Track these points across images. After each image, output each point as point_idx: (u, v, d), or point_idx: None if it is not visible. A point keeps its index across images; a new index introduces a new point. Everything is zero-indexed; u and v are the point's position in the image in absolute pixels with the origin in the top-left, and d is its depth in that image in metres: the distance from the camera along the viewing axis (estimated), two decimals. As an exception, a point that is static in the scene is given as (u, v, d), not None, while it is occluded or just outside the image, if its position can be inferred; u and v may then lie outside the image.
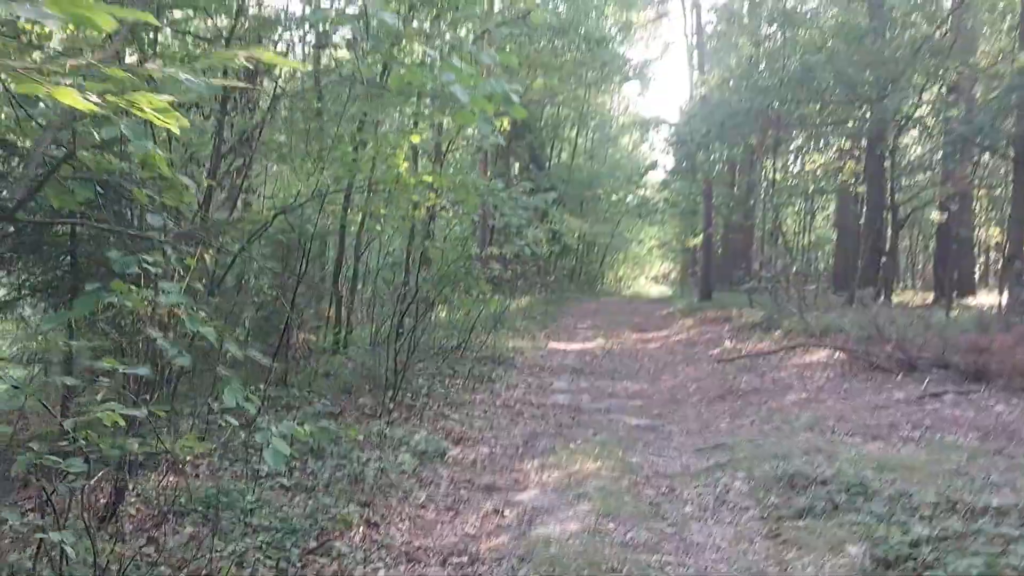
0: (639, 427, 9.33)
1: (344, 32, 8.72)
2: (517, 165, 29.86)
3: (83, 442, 3.55)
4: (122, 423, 3.51)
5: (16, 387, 4.38)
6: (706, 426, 9.41)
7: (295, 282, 11.15)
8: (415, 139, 8.99)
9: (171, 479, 6.18)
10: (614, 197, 32.50)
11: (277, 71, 8.30)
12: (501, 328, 15.97)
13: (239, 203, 9.20)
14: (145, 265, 4.14)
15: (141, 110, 2.34)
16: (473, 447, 8.22)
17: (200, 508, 5.57)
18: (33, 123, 4.69)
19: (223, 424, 4.49)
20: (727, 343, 15.49)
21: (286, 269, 14.26)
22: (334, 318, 13.56)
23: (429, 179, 8.62)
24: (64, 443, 3.63)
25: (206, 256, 7.65)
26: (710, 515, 6.26)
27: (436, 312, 13.86)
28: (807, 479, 6.63)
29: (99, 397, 4.59)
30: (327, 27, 7.18)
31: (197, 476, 6.41)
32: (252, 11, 8.78)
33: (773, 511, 6.17)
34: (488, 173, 24.28)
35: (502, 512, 6.34)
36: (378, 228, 13.03)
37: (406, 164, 8.71)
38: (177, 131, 2.39)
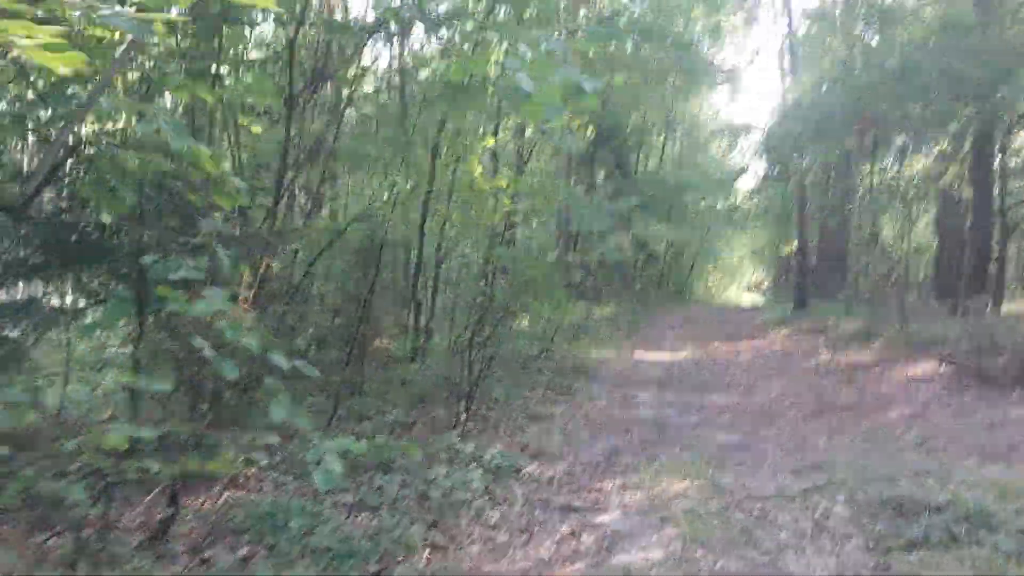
0: (729, 444, 8.75)
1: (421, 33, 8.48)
2: (602, 172, 29.33)
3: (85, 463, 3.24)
4: (126, 445, 3.19)
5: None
6: (802, 444, 8.78)
7: (370, 289, 10.92)
8: (490, 142, 8.64)
9: (232, 493, 5.92)
10: (703, 204, 31.68)
11: (349, 74, 8.04)
12: (584, 337, 15.51)
13: (312, 210, 8.97)
14: (189, 271, 3.85)
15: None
16: (551, 463, 7.78)
17: (257, 526, 5.28)
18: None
19: (256, 442, 4.14)
20: (823, 354, 14.69)
21: (365, 277, 14.13)
22: (412, 326, 13.32)
23: (504, 184, 8.25)
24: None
25: (272, 263, 7.45)
26: (808, 543, 5.68)
27: (517, 321, 13.49)
28: (918, 505, 5.98)
29: (107, 415, 4.30)
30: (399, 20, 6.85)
31: (260, 490, 6.13)
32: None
33: (880, 541, 5.56)
34: (571, 180, 23.80)
35: (580, 536, 5.88)
36: (453, 235, 12.77)
37: (481, 169, 8.35)
38: (65, 71, 2.00)
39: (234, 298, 6.85)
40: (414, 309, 13.24)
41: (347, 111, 9.13)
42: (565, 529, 6.02)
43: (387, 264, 14.51)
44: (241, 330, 3.66)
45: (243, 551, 4.99)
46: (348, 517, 5.80)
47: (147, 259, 3.79)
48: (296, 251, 7.86)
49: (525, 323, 13.28)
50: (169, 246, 4.46)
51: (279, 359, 3.95)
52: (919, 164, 22.13)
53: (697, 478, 7.19)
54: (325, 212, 10.67)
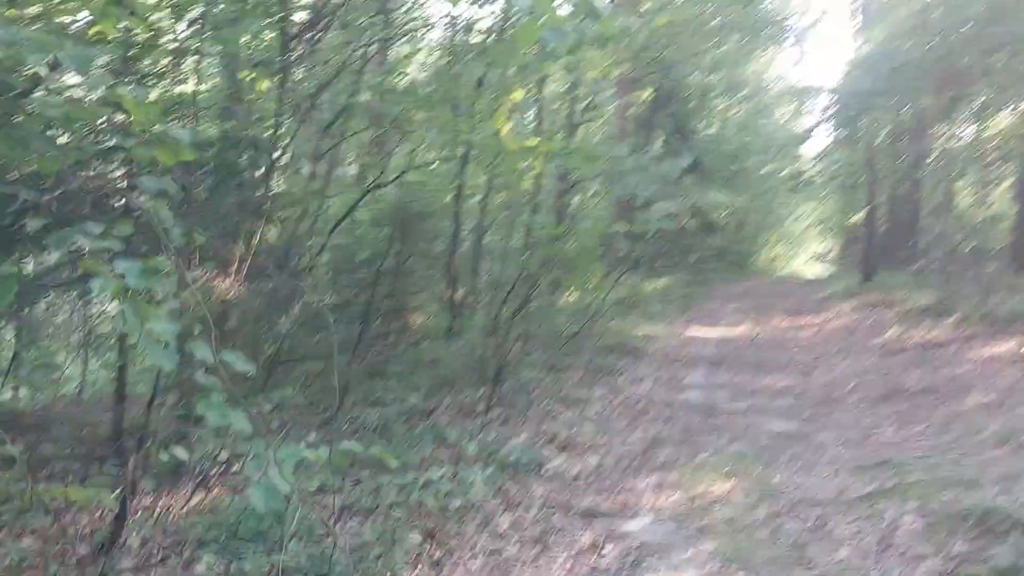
0: (784, 435, 7.82)
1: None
2: (661, 137, 28.15)
3: None
4: None
5: None
6: (867, 435, 7.80)
7: (398, 261, 10.21)
8: (516, 97, 7.77)
9: (204, 495, 5.24)
10: (765, 170, 30.23)
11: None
12: (632, 313, 14.60)
13: (327, 172, 8.23)
14: (93, 240, 3.09)
15: None
16: (579, 456, 6.96)
17: (222, 537, 4.57)
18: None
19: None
20: (892, 331, 13.55)
21: (397, 247, 13.42)
22: (449, 301, 12.57)
23: (534, 143, 7.40)
24: None
25: (268, 230, 6.74)
26: (872, 564, 4.80)
27: (559, 296, 12.66)
28: (1006, 520, 5.02)
29: None
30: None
31: (240, 489, 5.43)
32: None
33: (960, 565, 4.64)
34: (627, 145, 22.67)
35: (601, 548, 5.08)
36: (496, 202, 11.98)
37: (508, 127, 7.50)
38: None
39: (221, 267, 6.20)
40: (450, 282, 12.50)
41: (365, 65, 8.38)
42: (585, 539, 5.22)
43: (424, 233, 13.82)
44: (138, 319, 2.89)
45: (198, 570, 4.29)
46: (334, 523, 5.08)
47: (31, 223, 3.03)
48: (299, 218, 7.11)
49: (571, 298, 12.43)
50: (83, 211, 3.71)
51: (202, 350, 3.19)
52: (1002, 123, 20.57)
53: (744, 477, 6.32)
54: (351, 175, 9.90)
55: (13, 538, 4.31)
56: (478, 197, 13.13)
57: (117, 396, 6.47)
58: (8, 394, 9.80)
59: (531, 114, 14.09)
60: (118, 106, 3.75)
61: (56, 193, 3.36)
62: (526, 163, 7.74)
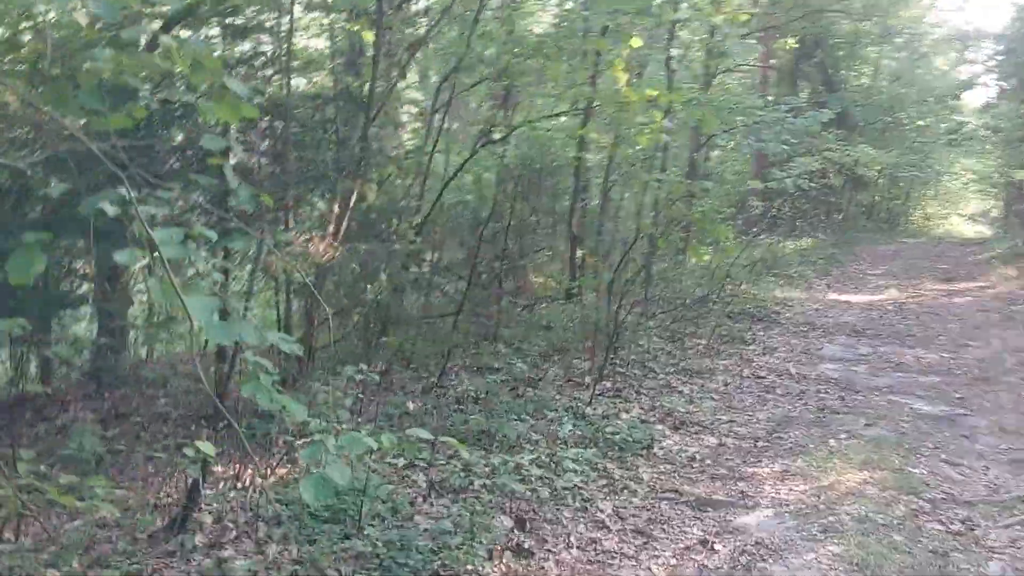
0: (931, 417, 7.03)
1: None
2: (807, 89, 26.60)
3: None
4: None
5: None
6: (1027, 421, 6.94)
7: (509, 223, 9.82)
8: (636, 43, 7.14)
9: (286, 469, 5.01)
10: (921, 123, 28.15)
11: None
12: (767, 276, 13.75)
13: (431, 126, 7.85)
14: (117, 203, 2.78)
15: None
16: (696, 436, 6.42)
17: (300, 516, 4.31)
18: None
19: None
20: (1061, 300, 12.27)
21: (522, 204, 13.03)
22: (569, 261, 12.12)
23: (654, 93, 6.79)
24: None
25: (368, 190, 6.43)
26: (1029, 582, 4.12)
27: (687, 257, 12.00)
28: None
29: None
30: None
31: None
32: None
33: None
34: (770, 98, 21.50)
35: (711, 545, 4.57)
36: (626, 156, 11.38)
37: (626, 76, 6.91)
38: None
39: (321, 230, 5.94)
40: (571, 242, 12.03)
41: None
42: (694, 534, 4.72)
43: (547, 190, 13.39)
44: (170, 291, 2.57)
45: (272, 550, 4.04)
46: (423, 502, 4.76)
47: (55, 188, 2.74)
48: (391, 175, 6.76)
49: (700, 259, 11.74)
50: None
51: (249, 332, 2.85)
52: None
53: (881, 467, 5.65)
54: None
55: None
56: (603, 153, 12.61)
57: (218, 356, 6.35)
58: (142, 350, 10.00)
59: (660, 65, 13.32)
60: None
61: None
62: (647, 116, 7.13)
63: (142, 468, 5.32)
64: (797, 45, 23.27)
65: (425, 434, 3.41)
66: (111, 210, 2.75)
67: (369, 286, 6.61)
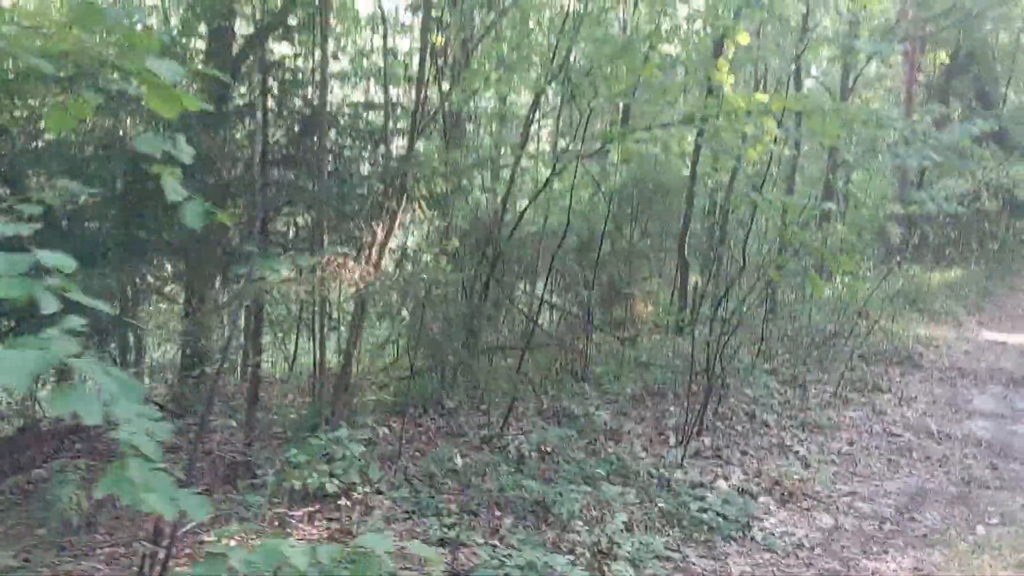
0: (1112, 499, 5.63)
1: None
2: (958, 106, 24.47)
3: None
4: None
5: None
6: None
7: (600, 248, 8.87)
8: (742, 39, 6.06)
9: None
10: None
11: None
12: (909, 311, 12.21)
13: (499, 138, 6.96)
14: None
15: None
16: (807, 513, 5.25)
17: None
18: None
19: None
20: None
21: (631, 225, 12.03)
22: (679, 290, 10.99)
23: (763, 99, 5.70)
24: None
25: (418, 203, 5.57)
26: None
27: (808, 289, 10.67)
28: None
29: None
30: None
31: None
32: None
33: None
34: (916, 115, 19.69)
35: None
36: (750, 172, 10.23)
37: (731, 80, 5.85)
38: None
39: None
40: (681, 268, 10.91)
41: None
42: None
43: (659, 211, 12.34)
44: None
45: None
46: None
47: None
48: (443, 191, 5.86)
49: (821, 294, 10.40)
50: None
51: (88, 406, 1.99)
52: None
53: (1046, 571, 4.37)
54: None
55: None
56: (723, 170, 11.49)
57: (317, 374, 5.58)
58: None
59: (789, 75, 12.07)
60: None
61: None
62: (758, 126, 6.03)
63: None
64: (948, 60, 21.41)
65: (383, 543, 2.51)
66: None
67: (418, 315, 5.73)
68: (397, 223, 5.03)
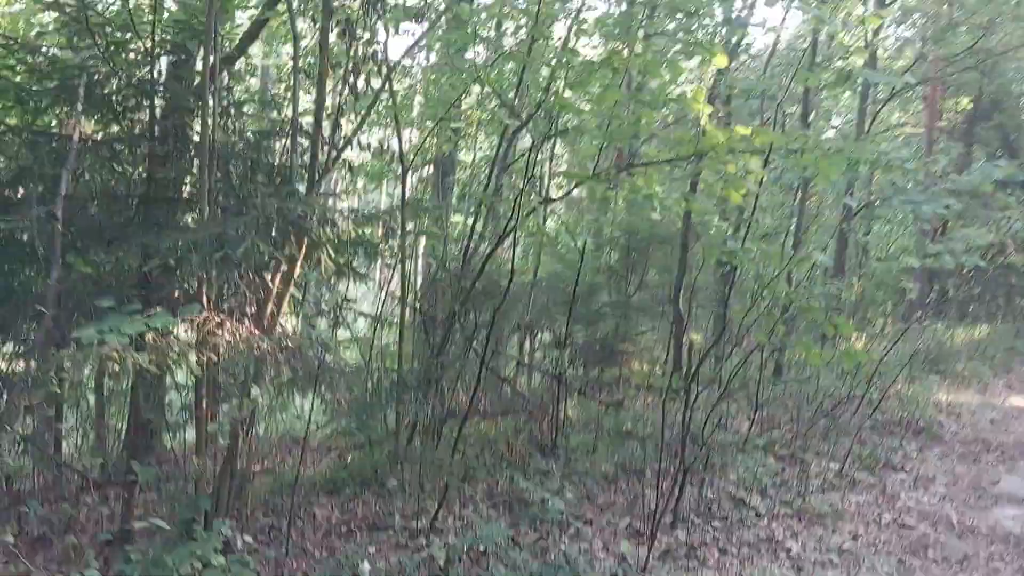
0: None
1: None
2: (982, 154, 23.47)
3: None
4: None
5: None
6: None
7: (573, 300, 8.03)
8: (719, 62, 5.20)
9: None
10: None
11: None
12: (928, 373, 11.18)
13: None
14: None
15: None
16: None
17: None
18: None
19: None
20: None
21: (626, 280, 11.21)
22: (673, 348, 10.03)
23: (745, 132, 4.85)
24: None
25: (320, 252, 4.68)
26: None
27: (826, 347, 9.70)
28: None
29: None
30: None
31: None
32: None
33: None
34: (938, 166, 18.66)
35: None
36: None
37: (708, 111, 4.99)
38: None
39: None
40: (677, 324, 9.96)
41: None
42: None
43: (656, 263, 11.49)
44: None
45: None
46: None
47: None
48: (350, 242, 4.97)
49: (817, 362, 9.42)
50: None
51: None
52: None
53: None
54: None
55: None
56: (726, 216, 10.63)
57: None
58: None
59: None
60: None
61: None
62: (741, 165, 5.17)
63: None
64: (970, 106, 20.54)
65: None
66: None
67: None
68: (295, 275, 4.18)
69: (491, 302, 7.83)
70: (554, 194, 9.13)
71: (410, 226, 6.49)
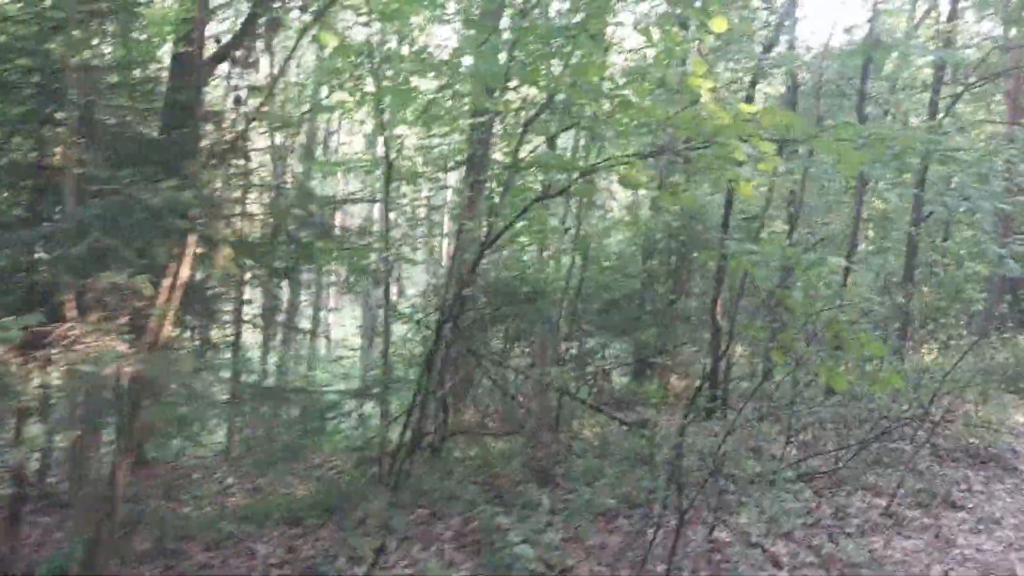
0: None
1: None
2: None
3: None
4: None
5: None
6: None
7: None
8: (718, 25, 4.32)
9: None
10: None
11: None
12: (1003, 390, 9.98)
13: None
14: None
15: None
16: None
17: None
18: None
19: None
20: None
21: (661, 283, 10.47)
22: (710, 361, 9.12)
23: (751, 108, 4.02)
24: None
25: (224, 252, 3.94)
26: None
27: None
28: None
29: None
30: None
31: None
32: None
33: None
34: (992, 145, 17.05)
35: None
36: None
37: (711, 87, 4.16)
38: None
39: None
40: (713, 336, 9.05)
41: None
42: None
43: (698, 268, 10.72)
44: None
45: None
46: None
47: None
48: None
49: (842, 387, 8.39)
50: None
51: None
52: None
53: None
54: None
55: None
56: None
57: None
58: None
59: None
60: None
61: None
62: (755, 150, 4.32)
63: None
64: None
65: None
66: None
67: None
68: (180, 279, 3.49)
69: (511, 308, 7.17)
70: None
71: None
